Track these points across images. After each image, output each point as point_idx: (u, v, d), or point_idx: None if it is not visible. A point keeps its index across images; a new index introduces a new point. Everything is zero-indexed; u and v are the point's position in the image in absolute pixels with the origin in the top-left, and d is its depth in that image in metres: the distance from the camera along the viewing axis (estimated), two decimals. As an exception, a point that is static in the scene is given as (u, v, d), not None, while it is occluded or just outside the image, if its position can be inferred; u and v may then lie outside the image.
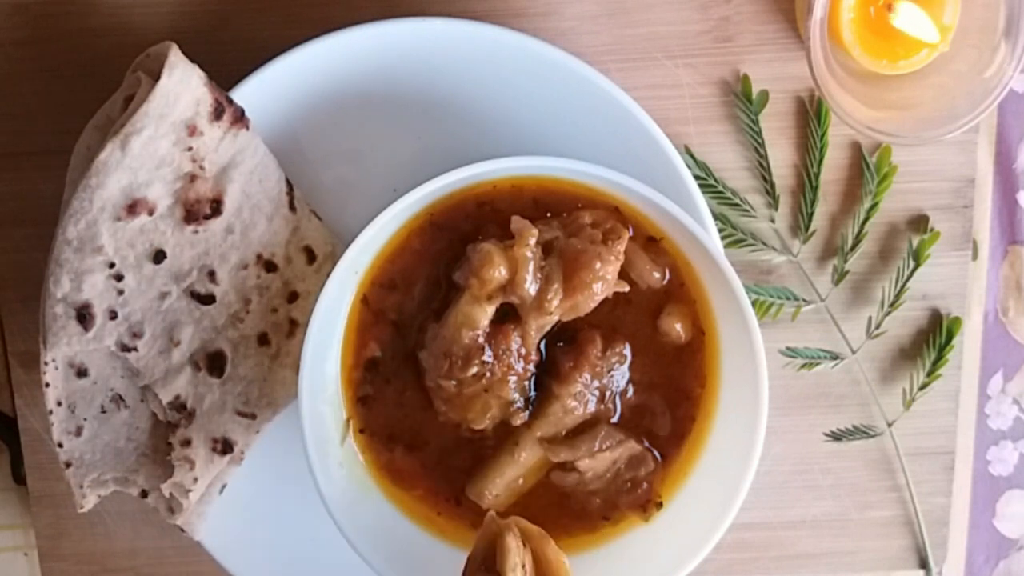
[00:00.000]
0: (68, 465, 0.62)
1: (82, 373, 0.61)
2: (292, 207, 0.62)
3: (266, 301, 0.62)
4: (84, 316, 0.60)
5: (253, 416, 0.63)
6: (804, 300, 0.68)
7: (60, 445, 0.61)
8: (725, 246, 0.66)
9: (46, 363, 0.60)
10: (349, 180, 0.64)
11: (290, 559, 0.67)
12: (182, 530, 0.64)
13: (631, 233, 0.61)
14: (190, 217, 0.59)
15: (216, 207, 0.59)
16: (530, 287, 0.59)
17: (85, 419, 0.62)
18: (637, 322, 0.63)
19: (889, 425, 0.70)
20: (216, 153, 0.59)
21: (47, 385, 0.60)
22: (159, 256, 0.60)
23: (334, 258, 0.62)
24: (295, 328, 0.63)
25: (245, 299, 0.62)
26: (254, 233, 0.61)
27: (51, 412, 0.61)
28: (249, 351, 0.62)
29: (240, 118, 0.59)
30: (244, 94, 0.60)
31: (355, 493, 0.62)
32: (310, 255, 0.63)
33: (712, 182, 0.67)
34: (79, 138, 0.60)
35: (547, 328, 0.61)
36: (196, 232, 0.60)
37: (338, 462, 0.62)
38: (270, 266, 0.62)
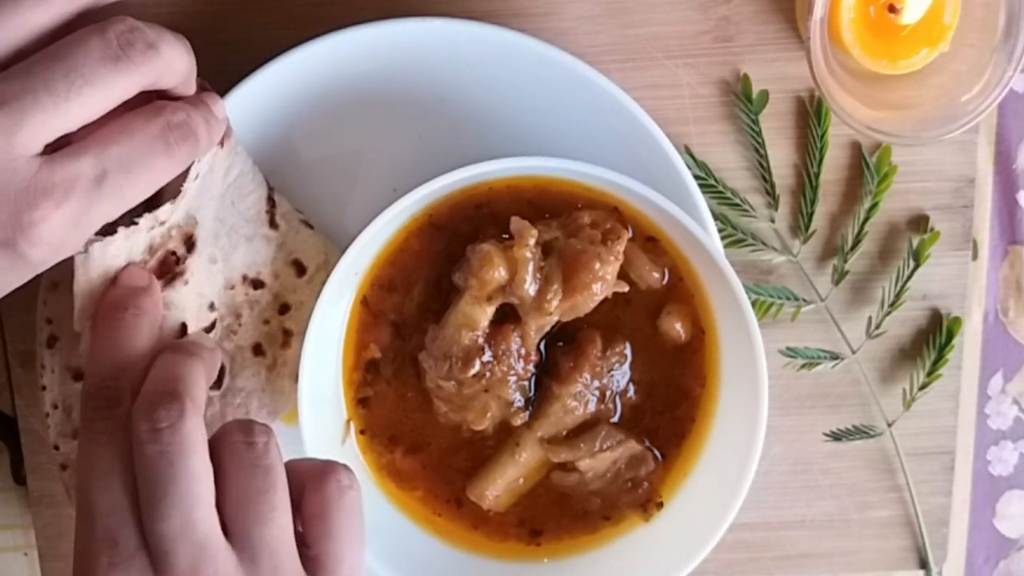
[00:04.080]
0: (64, 468, 0.62)
1: (79, 376, 0.61)
2: (273, 224, 0.61)
3: (257, 314, 0.62)
4: None
5: None
6: (804, 300, 0.68)
7: (56, 448, 0.61)
8: (725, 246, 0.66)
9: (42, 367, 0.60)
10: (348, 180, 0.64)
11: (290, 559, 0.67)
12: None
13: (631, 233, 0.61)
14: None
15: (189, 241, 0.58)
16: (530, 287, 0.59)
17: None
18: (637, 322, 0.63)
19: (889, 425, 0.70)
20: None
21: (43, 388, 0.60)
22: None
23: (327, 267, 0.62)
24: (289, 338, 0.62)
25: (236, 313, 0.61)
26: (235, 256, 0.61)
27: (47, 415, 0.61)
28: (246, 361, 0.62)
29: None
30: (244, 94, 0.60)
31: (355, 494, 0.63)
32: (299, 268, 0.62)
33: (712, 182, 0.67)
34: None
35: (547, 328, 0.61)
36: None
37: (338, 463, 0.62)
38: (257, 284, 0.61)
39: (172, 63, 0.53)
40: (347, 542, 0.50)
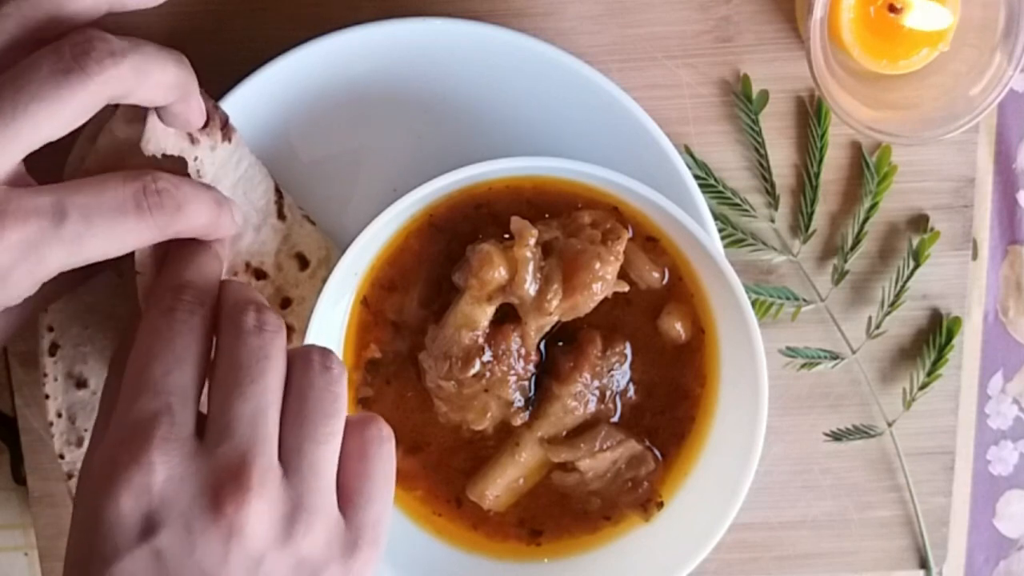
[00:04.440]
0: (70, 476, 0.62)
1: (81, 384, 0.61)
2: (281, 215, 0.62)
3: None
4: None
5: None
6: (804, 300, 0.68)
7: (61, 457, 0.61)
8: (725, 246, 0.66)
9: (45, 375, 0.60)
10: (348, 180, 0.64)
11: (290, 559, 0.67)
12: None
13: (631, 233, 0.61)
14: None
15: None
16: (530, 287, 0.59)
17: (86, 430, 0.61)
18: (637, 322, 0.63)
19: (889, 425, 0.70)
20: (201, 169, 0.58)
21: (47, 397, 0.60)
22: None
23: (328, 263, 0.62)
24: (291, 334, 0.62)
25: None
26: (242, 244, 0.61)
27: (51, 424, 0.61)
28: None
29: (224, 126, 0.58)
30: (244, 94, 0.60)
31: (355, 494, 0.62)
32: (302, 261, 0.62)
33: (712, 182, 0.67)
34: (72, 151, 0.59)
35: (547, 328, 0.61)
36: None
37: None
38: (260, 274, 0.61)
39: (148, 75, 0.50)
40: (380, 486, 0.51)
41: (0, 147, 0.47)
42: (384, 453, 0.52)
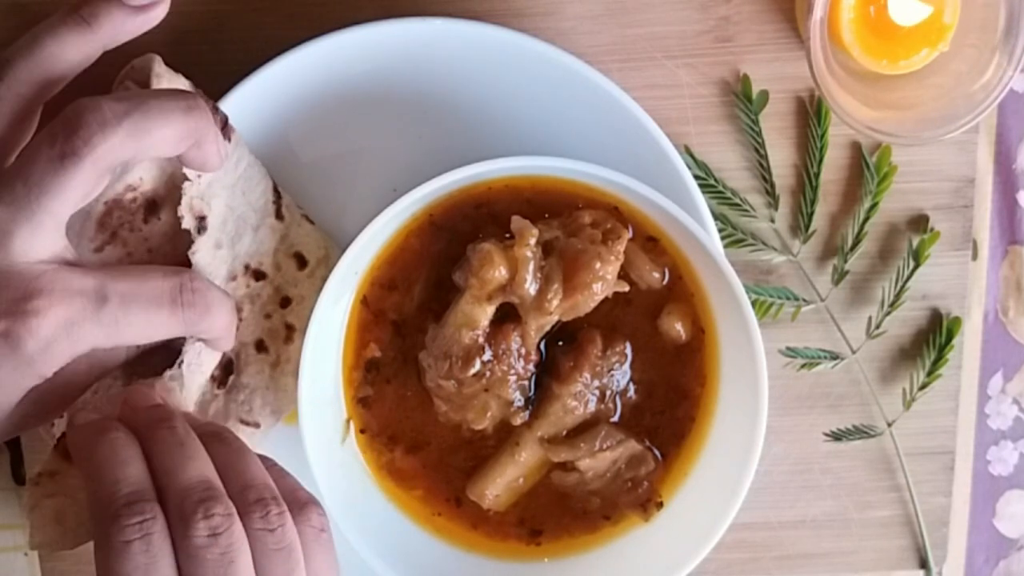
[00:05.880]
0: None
1: None
2: (279, 215, 0.62)
3: (258, 308, 0.62)
4: None
5: (257, 425, 0.62)
6: (804, 300, 0.68)
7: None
8: (725, 246, 0.66)
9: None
10: (348, 180, 0.64)
11: (290, 559, 0.67)
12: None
13: (631, 233, 0.61)
14: None
15: (201, 223, 0.58)
16: (530, 287, 0.59)
17: None
18: (637, 322, 0.63)
19: (889, 425, 0.70)
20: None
21: None
22: None
23: (327, 262, 0.62)
24: (292, 333, 0.62)
25: (238, 307, 0.61)
26: (240, 245, 0.61)
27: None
28: (249, 358, 0.62)
29: (224, 127, 0.58)
30: (244, 94, 0.60)
31: (355, 493, 0.62)
32: (300, 261, 0.62)
33: (712, 182, 0.67)
34: None
35: (547, 328, 0.61)
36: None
37: (338, 463, 0.62)
38: (259, 275, 0.61)
39: (148, 134, 0.51)
40: None
41: (27, 237, 0.50)
42: (324, 543, 0.52)
